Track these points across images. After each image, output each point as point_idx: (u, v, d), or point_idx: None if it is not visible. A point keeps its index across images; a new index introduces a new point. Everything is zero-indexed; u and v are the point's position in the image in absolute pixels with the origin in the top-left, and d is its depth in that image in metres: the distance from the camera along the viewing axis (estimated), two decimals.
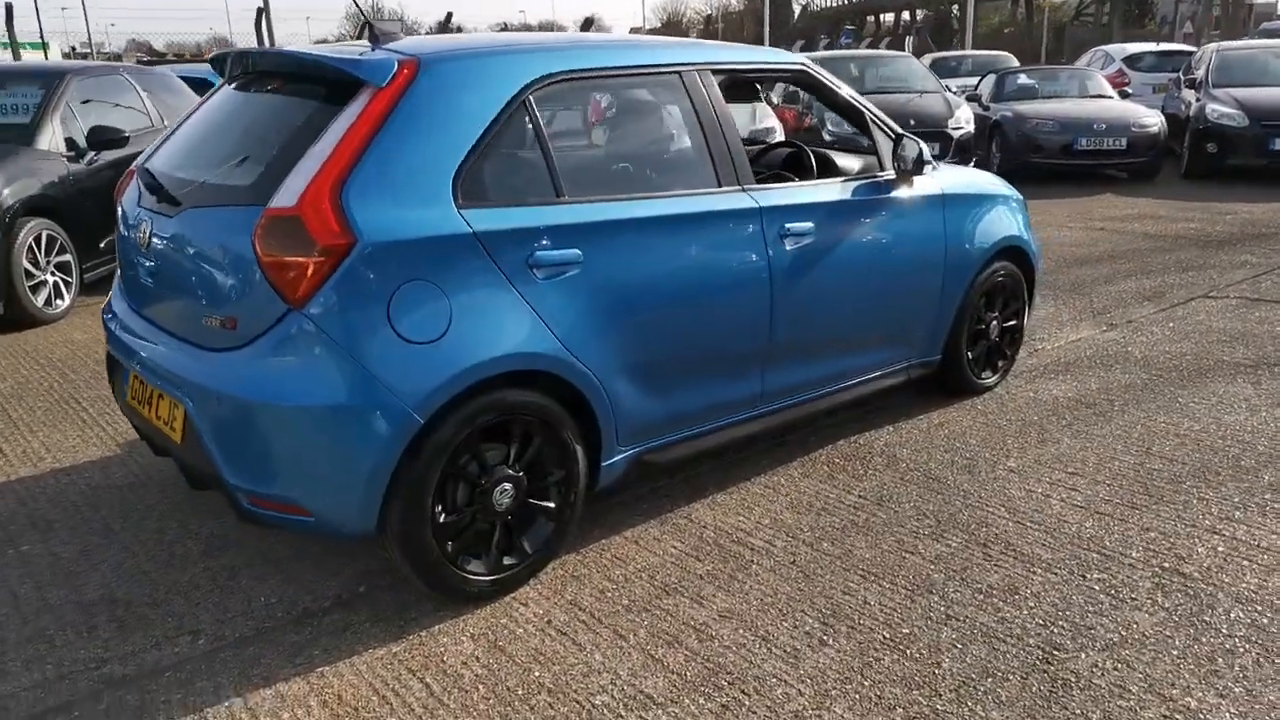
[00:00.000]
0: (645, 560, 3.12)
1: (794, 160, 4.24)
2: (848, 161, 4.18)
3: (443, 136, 2.71)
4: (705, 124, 3.30)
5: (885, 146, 3.88)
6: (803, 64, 3.75)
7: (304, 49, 3.07)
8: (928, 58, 19.37)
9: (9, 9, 23.21)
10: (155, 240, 2.93)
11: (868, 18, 62.18)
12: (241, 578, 3.04)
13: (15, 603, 2.92)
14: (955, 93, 12.97)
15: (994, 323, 4.48)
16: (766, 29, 41.82)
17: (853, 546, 3.18)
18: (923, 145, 4.00)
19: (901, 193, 3.86)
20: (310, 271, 2.50)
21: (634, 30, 67.64)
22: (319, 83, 2.86)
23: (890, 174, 3.86)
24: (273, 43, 26.47)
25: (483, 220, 2.71)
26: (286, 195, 2.54)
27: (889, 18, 61.61)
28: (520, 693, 2.49)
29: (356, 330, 2.54)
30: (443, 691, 2.49)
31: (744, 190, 3.35)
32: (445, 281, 2.64)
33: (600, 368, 2.95)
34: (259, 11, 22.58)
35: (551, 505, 2.99)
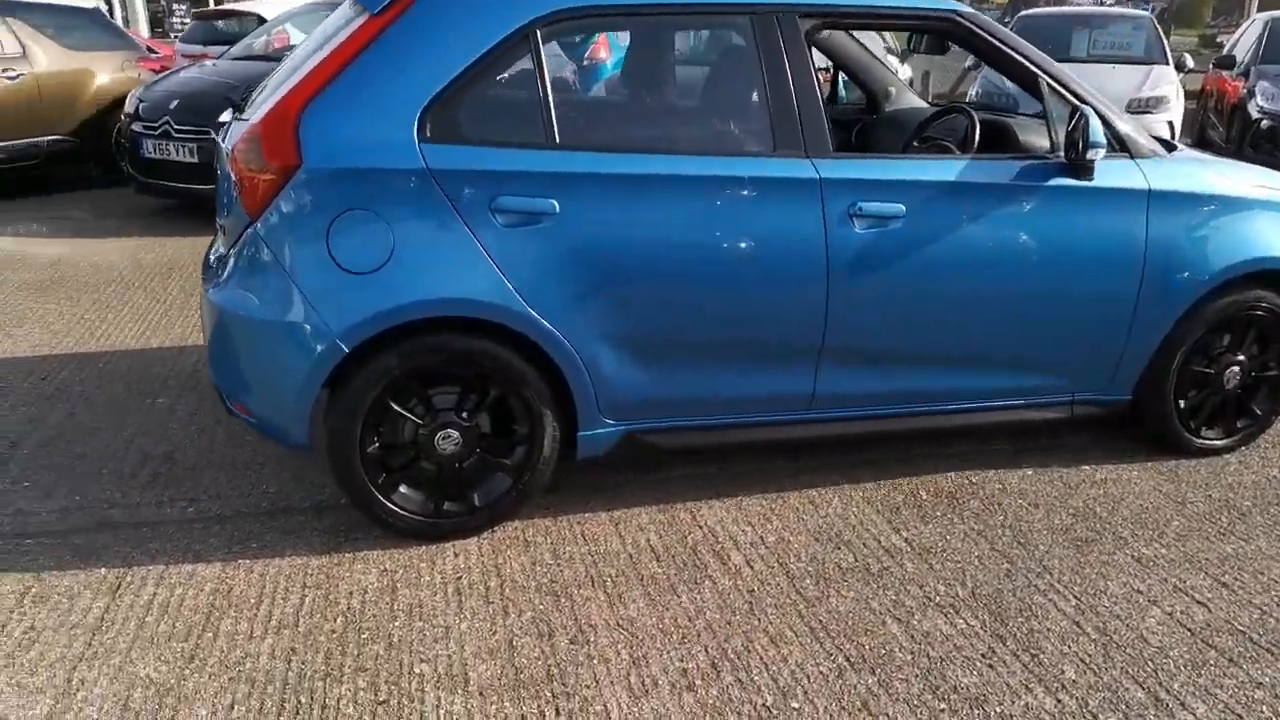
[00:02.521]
0: (605, 546, 2.87)
1: (987, 131, 3.50)
2: (1039, 139, 3.36)
3: (423, 66, 2.63)
4: (771, 77, 2.84)
5: (1061, 120, 3.05)
6: (952, 11, 3.05)
7: None
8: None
9: None
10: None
11: None
12: (265, 467, 3.32)
13: (113, 439, 3.48)
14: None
15: (1233, 368, 3.39)
16: None
17: (834, 595, 2.66)
18: (1121, 123, 3.10)
19: (1069, 181, 3.02)
20: (260, 188, 2.60)
21: None
22: (348, 9, 2.92)
23: (1059, 157, 3.04)
24: None
25: (443, 157, 2.61)
26: (260, 113, 2.66)
27: None
28: (363, 636, 2.46)
29: (294, 251, 2.61)
30: (305, 612, 2.54)
31: (806, 158, 2.85)
32: (391, 215, 2.60)
33: (574, 331, 2.73)
34: None
35: (508, 463, 2.86)
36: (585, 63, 8.69)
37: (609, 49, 8.95)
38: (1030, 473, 3.38)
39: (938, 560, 2.83)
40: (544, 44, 2.70)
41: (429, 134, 2.62)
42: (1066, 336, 3.16)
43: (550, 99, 2.71)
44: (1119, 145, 3.11)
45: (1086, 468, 3.42)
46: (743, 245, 2.79)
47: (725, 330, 2.86)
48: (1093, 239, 3.06)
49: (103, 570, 2.71)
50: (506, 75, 2.74)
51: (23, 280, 5.34)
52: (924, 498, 3.19)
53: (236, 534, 2.90)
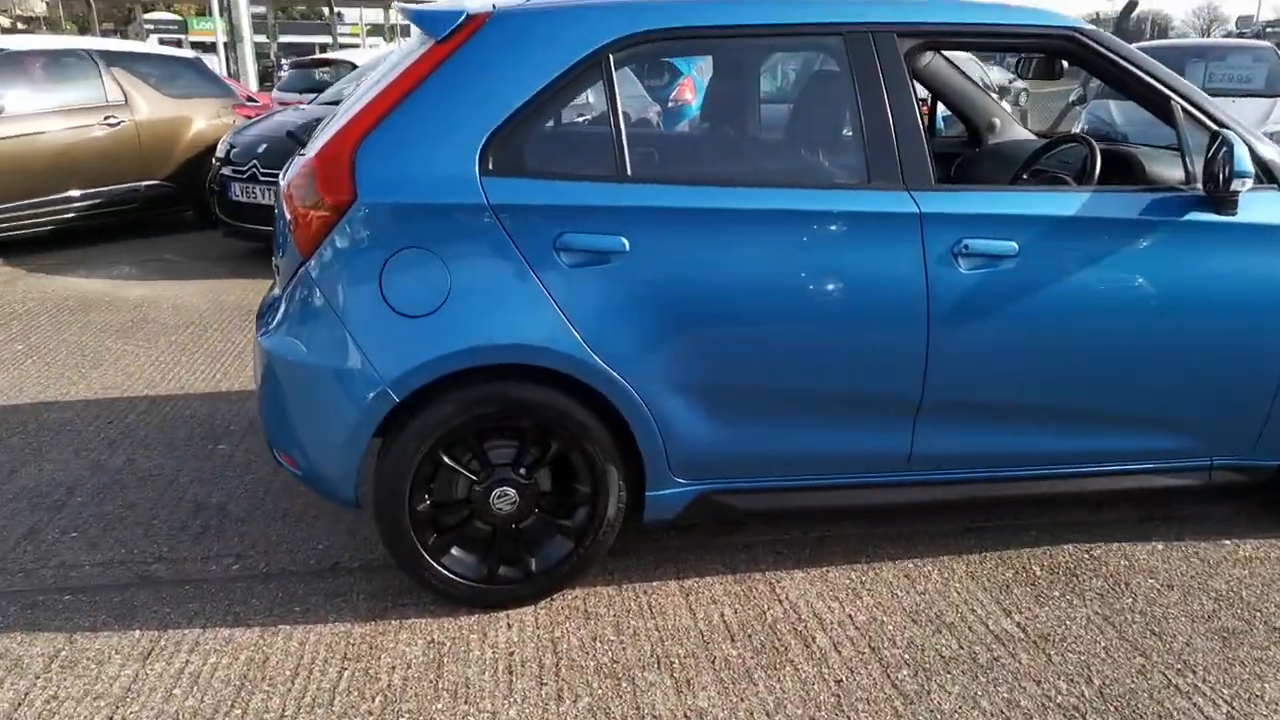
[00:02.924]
0: (674, 621, 2.58)
1: (1108, 163, 3.15)
2: (1169, 170, 3.00)
3: (486, 97, 2.44)
4: (865, 102, 2.56)
5: (1198, 149, 2.69)
6: (1074, 29, 2.73)
7: (426, 6, 2.99)
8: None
9: None
10: None
11: None
12: (318, 520, 3.13)
13: (168, 488, 3.35)
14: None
15: None
16: None
17: (937, 690, 2.31)
18: (1266, 149, 2.73)
19: (1208, 216, 2.66)
20: (314, 225, 2.43)
21: None
22: (416, 39, 2.76)
23: (1195, 189, 2.68)
24: None
25: (505, 191, 2.41)
26: (316, 147, 2.51)
27: None
28: (400, 717, 2.21)
29: (346, 292, 2.43)
30: (343, 689, 2.31)
31: (905, 190, 2.56)
32: (449, 254, 2.40)
33: (643, 381, 2.48)
34: None
35: (568, 525, 2.61)
36: (670, 104, 8.57)
37: (694, 91, 8.81)
38: (1161, 547, 2.97)
39: (1057, 651, 2.46)
40: (617, 70, 2.49)
41: (491, 167, 2.42)
42: (1204, 393, 2.76)
43: (622, 128, 2.49)
44: (1266, 175, 2.73)
45: (1228, 543, 2.99)
46: (832, 287, 2.51)
47: (811, 381, 2.56)
48: (1236, 282, 2.68)
49: (137, 632, 2.54)
50: (576, 104, 2.54)
51: (106, 322, 5.37)
52: (1038, 574, 2.82)
53: (280, 595, 2.71)
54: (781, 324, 2.51)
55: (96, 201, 7.45)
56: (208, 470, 3.49)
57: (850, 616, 2.60)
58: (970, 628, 2.55)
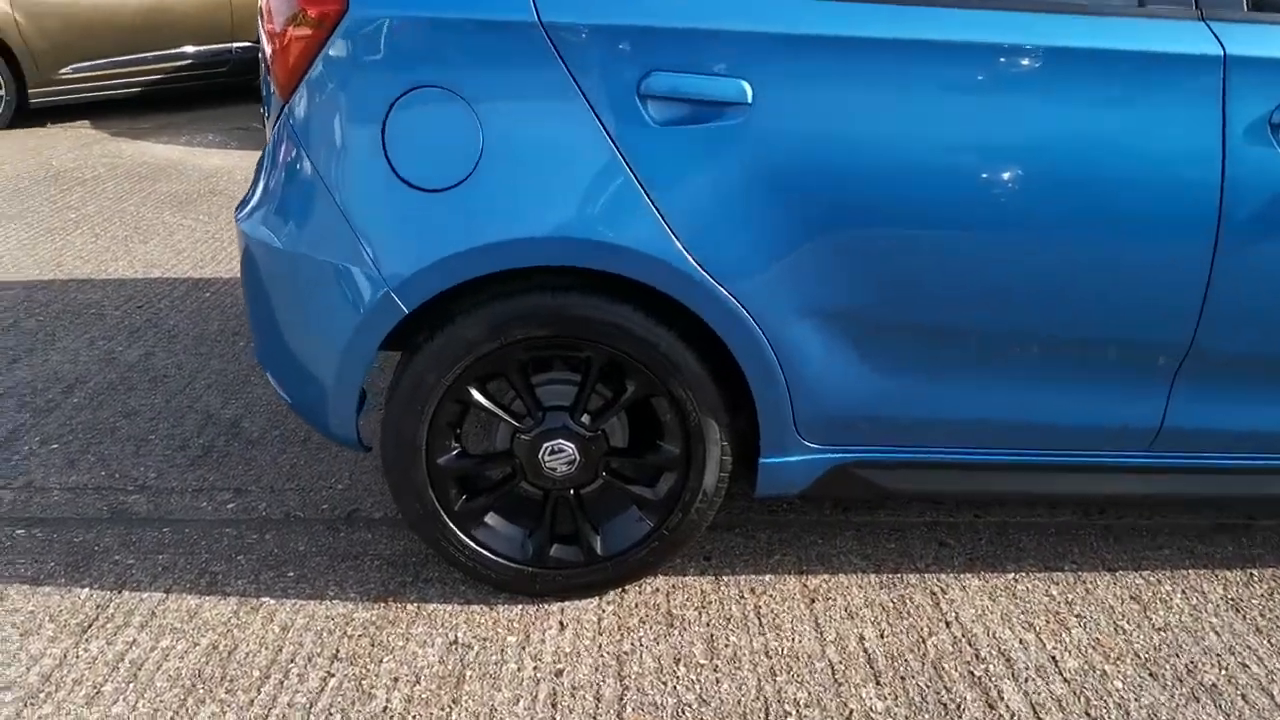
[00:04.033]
0: (793, 642, 1.82)
1: None
2: None
3: None
4: None
5: None
6: None
7: None
8: None
9: None
10: None
11: None
12: (344, 451, 2.48)
13: (179, 393, 2.76)
14: None
15: None
16: None
17: None
18: None
19: None
20: (292, 50, 1.67)
21: None
22: None
23: None
24: None
25: (566, 3, 1.59)
26: None
27: None
28: None
29: (335, 148, 1.68)
30: (322, 707, 1.66)
31: (1200, 18, 1.61)
32: (481, 97, 1.60)
33: (765, 302, 1.66)
34: None
35: (647, 496, 1.86)
36: None
37: None
38: None
39: None
40: None
41: None
42: None
43: None
44: None
45: None
46: (1069, 172, 1.61)
47: (1023, 315, 1.70)
48: None
49: (85, 591, 1.94)
50: None
51: (171, 192, 4.83)
52: None
53: (275, 551, 2.07)
54: (983, 224, 1.63)
55: (186, 63, 6.92)
56: (230, 374, 2.88)
57: (1054, 660, 1.78)
58: (1245, 695, 1.70)
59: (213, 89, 7.27)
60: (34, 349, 3.04)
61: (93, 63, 6.43)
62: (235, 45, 7.12)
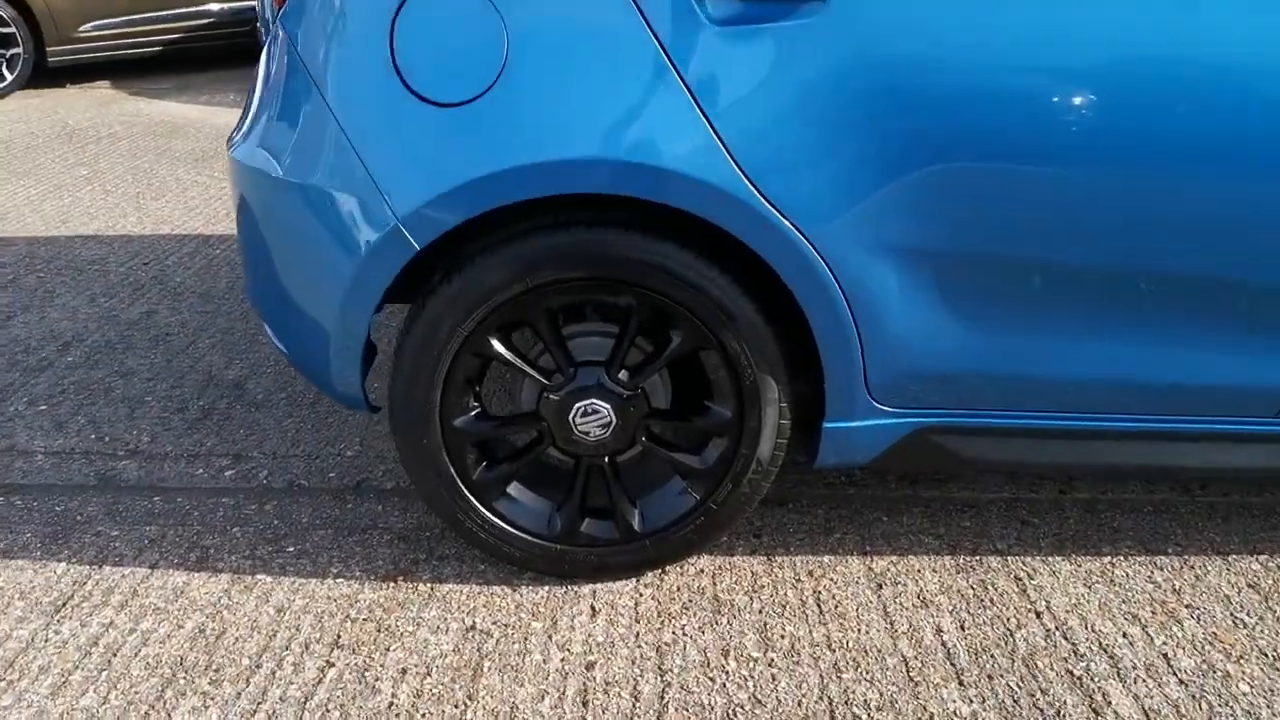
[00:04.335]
0: (859, 633, 1.58)
1: None
2: None
3: None
4: None
5: None
6: None
7: None
8: None
9: None
10: None
11: None
12: (354, 416, 2.26)
13: (181, 352, 2.55)
14: None
15: None
16: None
17: None
18: None
19: None
20: None
21: None
22: None
23: None
24: None
25: None
26: None
27: None
28: None
29: (335, 57, 1.45)
30: (318, 702, 1.45)
31: None
32: None
33: (836, 238, 1.41)
34: None
35: (694, 465, 1.62)
36: None
37: None
38: None
39: None
40: None
41: None
42: None
43: None
44: None
45: None
46: (1226, 81, 1.34)
47: (1158, 250, 1.42)
48: None
49: (62, 565, 1.75)
50: None
51: (187, 149, 4.63)
52: None
53: (274, 524, 1.86)
54: (1128, 150, 1.36)
55: (208, 21, 6.72)
56: (237, 334, 2.67)
57: (1166, 658, 1.53)
58: None
59: (235, 48, 7.06)
60: (30, 305, 2.85)
61: (111, 21, 6.24)
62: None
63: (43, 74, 6.09)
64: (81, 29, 6.14)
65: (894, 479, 1.99)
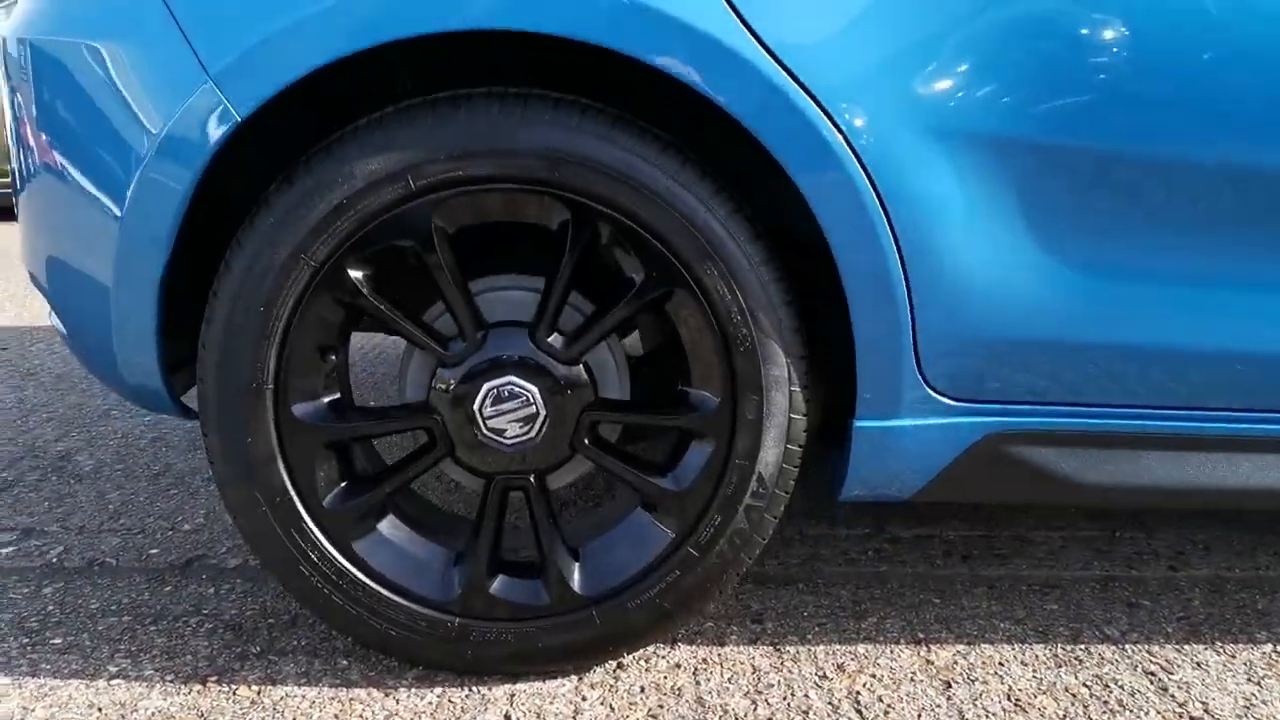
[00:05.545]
0: None
1: None
2: None
3: None
4: None
5: None
6: None
7: None
8: None
9: None
10: None
11: None
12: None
13: (13, 411, 1.99)
14: None
15: None
16: None
17: None
18: None
19: None
20: None
21: None
22: None
23: None
24: None
25: None
26: None
27: None
28: None
29: None
30: None
31: None
32: None
33: (879, 119, 0.95)
34: None
35: (669, 486, 1.07)
36: None
37: None
38: None
39: None
40: None
41: None
42: None
43: None
44: None
45: None
46: None
47: None
48: None
49: None
50: None
51: None
52: None
53: (45, 610, 1.26)
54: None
55: None
56: (87, 410, 2.12)
57: None
58: None
59: None
60: None
61: None
62: None
63: None
64: None
65: (939, 552, 1.44)
